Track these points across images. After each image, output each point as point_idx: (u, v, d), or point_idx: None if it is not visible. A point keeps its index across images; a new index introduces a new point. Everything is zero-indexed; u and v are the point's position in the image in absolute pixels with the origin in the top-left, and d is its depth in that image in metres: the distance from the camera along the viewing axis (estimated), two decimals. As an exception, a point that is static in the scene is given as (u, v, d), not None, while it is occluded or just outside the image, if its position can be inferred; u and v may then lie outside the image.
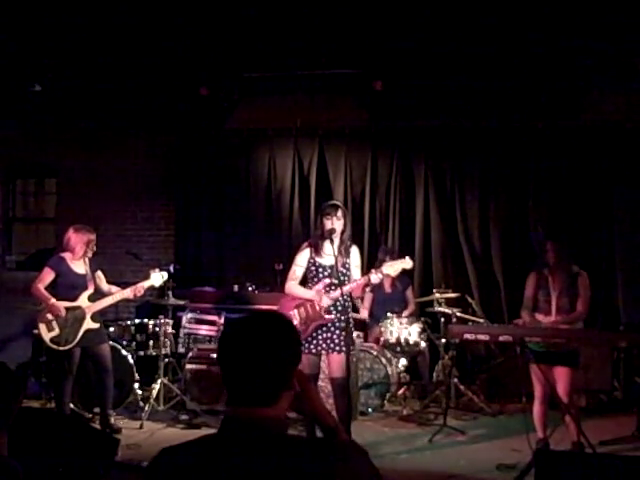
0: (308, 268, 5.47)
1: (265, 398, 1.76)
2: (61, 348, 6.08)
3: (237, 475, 1.67)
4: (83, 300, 6.15)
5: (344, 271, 5.37)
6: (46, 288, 6.17)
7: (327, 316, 5.30)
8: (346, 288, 5.27)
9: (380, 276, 5.27)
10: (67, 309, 6.09)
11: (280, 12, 6.26)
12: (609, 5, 6.03)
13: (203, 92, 7.97)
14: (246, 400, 1.76)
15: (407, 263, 5.37)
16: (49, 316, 6.08)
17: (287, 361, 1.81)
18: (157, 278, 6.39)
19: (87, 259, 6.22)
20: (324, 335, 5.32)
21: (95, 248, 6.28)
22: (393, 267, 5.32)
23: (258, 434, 1.73)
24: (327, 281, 5.34)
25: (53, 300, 6.08)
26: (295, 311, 5.36)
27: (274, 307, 7.52)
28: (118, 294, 6.27)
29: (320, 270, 5.41)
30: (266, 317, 1.88)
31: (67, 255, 6.20)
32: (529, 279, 5.54)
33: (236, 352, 1.79)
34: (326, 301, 5.28)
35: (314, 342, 5.30)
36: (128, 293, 6.24)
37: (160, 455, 1.79)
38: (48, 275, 6.16)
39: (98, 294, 6.29)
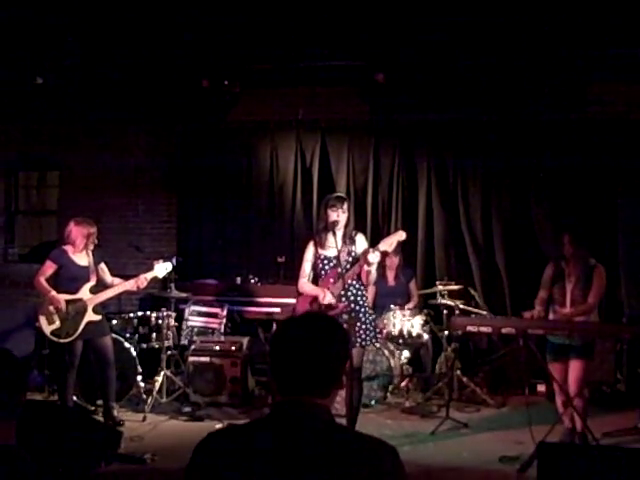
0: (315, 262, 5.45)
1: (318, 391, 1.87)
2: (61, 340, 6.07)
3: (287, 454, 1.75)
4: (84, 292, 6.14)
5: (350, 259, 5.36)
6: (48, 281, 6.17)
7: (339, 304, 5.28)
8: (348, 273, 5.25)
9: (377, 254, 5.22)
10: (68, 301, 6.08)
11: (282, 4, 6.24)
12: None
13: (205, 85, 7.95)
14: (298, 392, 1.86)
15: (400, 235, 5.38)
16: (50, 308, 6.07)
17: (341, 360, 1.93)
18: (161, 269, 6.37)
19: (90, 251, 6.22)
20: None
21: (97, 241, 6.27)
22: (387, 242, 5.33)
23: (309, 416, 1.83)
24: (334, 274, 5.34)
25: (53, 292, 6.07)
26: (309, 307, 5.36)
27: (277, 299, 7.60)
28: (120, 286, 6.26)
29: (325, 262, 5.40)
30: (322, 319, 2.03)
31: (69, 248, 6.19)
32: (547, 269, 5.59)
33: (296, 350, 1.88)
34: (329, 298, 5.25)
35: None
36: (131, 285, 6.21)
37: (207, 438, 1.87)
38: (49, 268, 6.15)
39: (101, 286, 6.28)
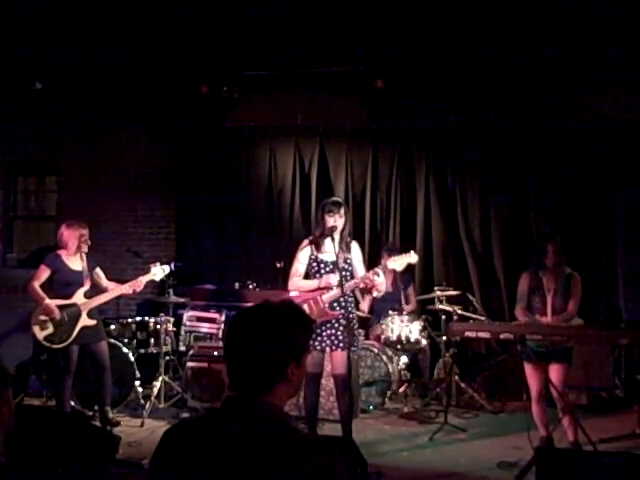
0: (309, 264, 5.48)
1: (257, 387, 1.80)
2: (54, 346, 6.03)
3: (215, 451, 1.73)
4: (79, 297, 6.10)
5: (345, 266, 5.39)
6: (43, 286, 6.13)
7: (331, 312, 5.31)
8: (350, 284, 5.30)
9: (381, 273, 5.31)
10: (62, 307, 6.04)
11: (281, 10, 6.25)
12: (609, 4, 6.02)
13: (204, 90, 7.96)
14: (240, 387, 1.82)
15: (412, 257, 5.43)
16: (42, 317, 6.02)
17: (278, 354, 1.82)
18: (158, 272, 6.36)
19: (84, 255, 6.19)
20: (328, 332, 5.33)
21: (89, 242, 6.21)
22: (398, 262, 5.39)
23: (249, 414, 1.77)
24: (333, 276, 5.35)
25: (47, 300, 6.01)
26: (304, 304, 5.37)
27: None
28: (115, 290, 6.23)
29: (322, 266, 5.43)
30: (265, 309, 1.90)
31: (63, 252, 6.16)
32: (522, 278, 5.58)
33: (230, 341, 1.86)
34: (334, 278, 5.28)
35: (318, 338, 5.31)
36: (126, 289, 6.20)
37: (170, 429, 1.89)
38: (43, 272, 6.11)
39: (95, 291, 6.24)
